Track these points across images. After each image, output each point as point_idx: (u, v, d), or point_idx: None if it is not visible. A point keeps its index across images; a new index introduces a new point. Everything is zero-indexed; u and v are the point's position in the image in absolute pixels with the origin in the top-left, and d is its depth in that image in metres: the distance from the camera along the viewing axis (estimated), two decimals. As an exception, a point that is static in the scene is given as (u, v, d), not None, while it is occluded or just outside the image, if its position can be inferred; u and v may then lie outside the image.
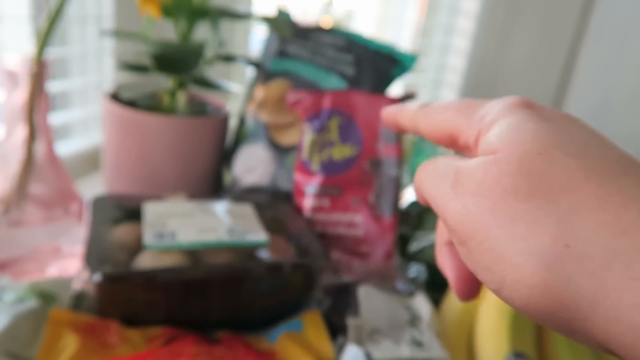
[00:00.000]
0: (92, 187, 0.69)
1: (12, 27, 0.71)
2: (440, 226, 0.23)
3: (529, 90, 1.44)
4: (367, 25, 1.31)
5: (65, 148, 0.72)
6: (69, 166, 0.71)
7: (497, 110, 0.19)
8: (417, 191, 0.22)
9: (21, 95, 0.41)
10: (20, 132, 0.42)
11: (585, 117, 0.20)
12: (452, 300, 0.41)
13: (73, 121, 0.75)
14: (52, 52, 0.69)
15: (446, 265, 0.23)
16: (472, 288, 0.22)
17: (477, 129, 0.19)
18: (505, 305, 0.36)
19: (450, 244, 0.22)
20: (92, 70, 0.75)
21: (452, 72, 1.29)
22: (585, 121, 0.19)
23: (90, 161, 0.75)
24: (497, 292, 0.17)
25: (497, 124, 0.18)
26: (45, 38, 0.40)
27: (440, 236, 0.23)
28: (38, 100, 0.42)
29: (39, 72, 0.41)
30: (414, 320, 0.37)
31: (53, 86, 0.70)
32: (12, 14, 0.70)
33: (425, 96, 1.34)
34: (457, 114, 0.21)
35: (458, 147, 0.21)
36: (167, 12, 0.48)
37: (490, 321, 0.36)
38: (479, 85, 1.31)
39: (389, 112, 0.25)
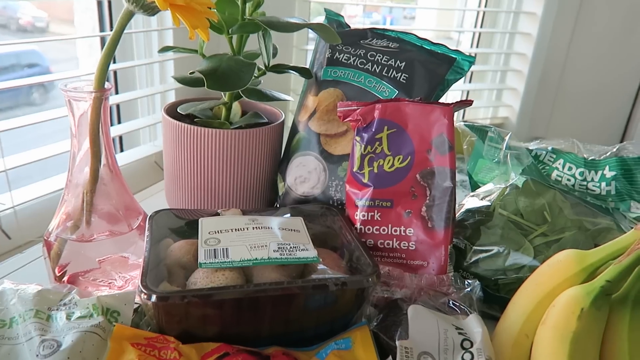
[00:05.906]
0: (158, 193, 0.72)
1: (85, 45, 0.76)
2: None
3: (602, 78, 1.34)
4: (429, 13, 1.27)
5: (134, 154, 0.77)
6: (137, 172, 0.75)
7: None
8: None
9: (85, 117, 0.44)
10: (86, 152, 0.45)
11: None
12: (508, 321, 0.39)
13: (140, 129, 0.78)
14: (119, 66, 0.73)
15: None
16: None
17: None
18: (566, 330, 0.34)
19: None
20: (157, 81, 0.79)
21: (518, 58, 1.23)
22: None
23: (157, 167, 0.79)
24: None
25: None
26: (103, 66, 0.42)
27: None
28: (102, 122, 0.44)
29: (100, 96, 0.43)
30: (465, 343, 0.36)
31: (120, 97, 0.74)
32: (85, 32, 0.74)
33: (490, 83, 1.29)
34: None
35: None
36: (217, 29, 0.49)
37: (549, 346, 0.35)
38: (547, 72, 1.23)
39: None
